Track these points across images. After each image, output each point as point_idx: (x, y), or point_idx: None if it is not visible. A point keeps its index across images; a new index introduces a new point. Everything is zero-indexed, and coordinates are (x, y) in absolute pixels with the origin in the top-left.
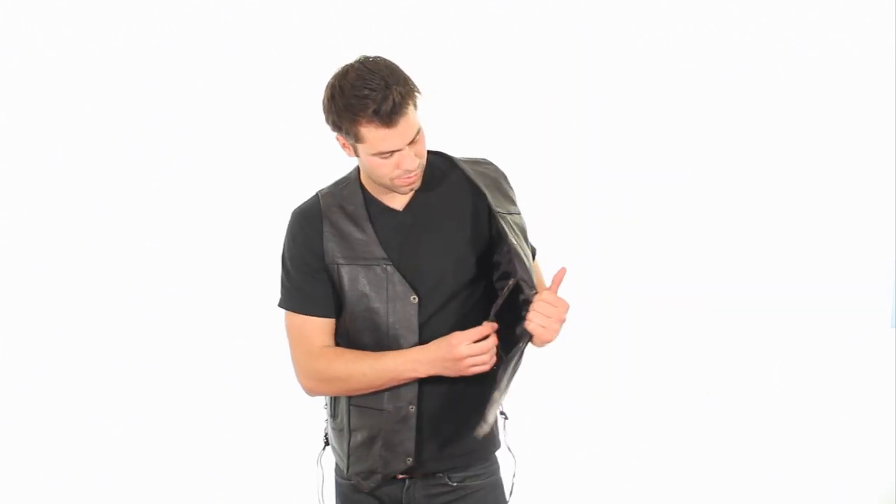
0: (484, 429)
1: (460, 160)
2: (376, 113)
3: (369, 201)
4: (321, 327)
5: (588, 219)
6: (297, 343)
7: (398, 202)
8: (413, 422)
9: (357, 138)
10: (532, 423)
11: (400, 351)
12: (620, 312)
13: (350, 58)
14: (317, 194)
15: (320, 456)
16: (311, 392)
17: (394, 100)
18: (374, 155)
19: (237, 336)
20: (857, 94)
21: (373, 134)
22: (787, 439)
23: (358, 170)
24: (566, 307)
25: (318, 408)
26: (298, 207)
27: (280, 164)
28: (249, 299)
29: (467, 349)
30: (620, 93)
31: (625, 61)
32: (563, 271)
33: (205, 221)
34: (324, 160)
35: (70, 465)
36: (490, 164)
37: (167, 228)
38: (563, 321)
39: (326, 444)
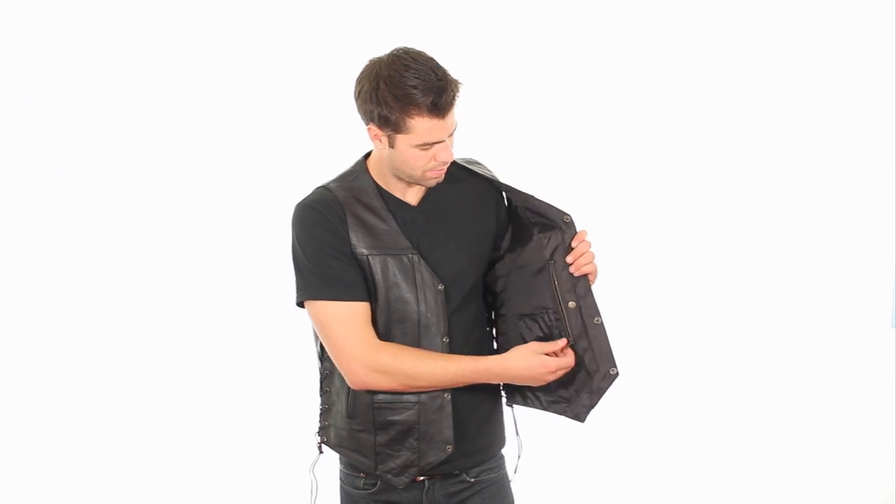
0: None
1: (458, 159)
2: (434, 104)
3: (382, 194)
4: (366, 312)
5: (587, 219)
6: (347, 334)
7: (411, 197)
8: (449, 409)
9: (401, 129)
10: (531, 423)
11: (475, 357)
12: (620, 312)
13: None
14: (325, 188)
15: (313, 465)
16: (366, 385)
17: (452, 92)
18: (417, 146)
19: (236, 339)
20: (858, 93)
21: (423, 125)
22: (786, 439)
23: (363, 164)
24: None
25: (310, 414)
26: (308, 200)
27: (279, 167)
28: (247, 302)
29: (555, 364)
30: (620, 94)
31: (624, 62)
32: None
33: (203, 222)
34: (322, 161)
35: (68, 467)
36: (481, 164)
37: (165, 229)
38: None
39: (321, 452)
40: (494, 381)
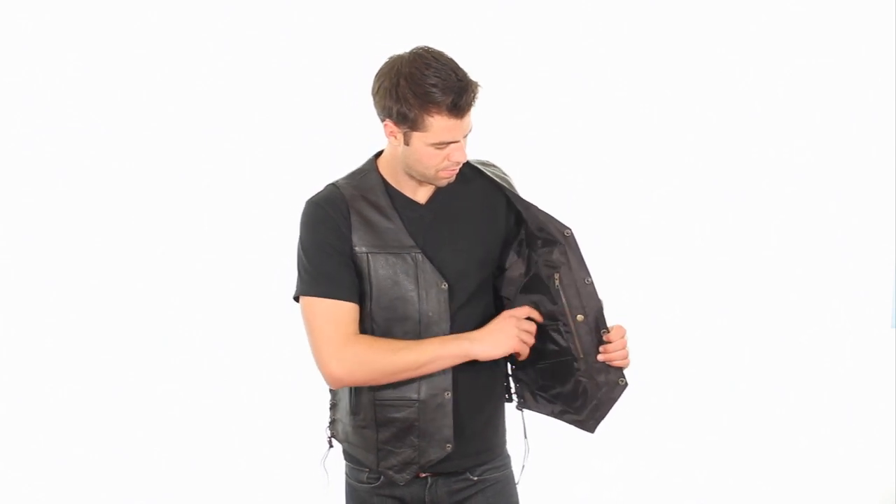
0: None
1: (472, 160)
2: (454, 104)
3: (391, 192)
4: (351, 312)
5: (587, 221)
6: (326, 329)
7: (420, 195)
8: (450, 408)
9: (418, 127)
10: (537, 425)
11: (443, 336)
12: (620, 313)
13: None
14: (334, 185)
15: (324, 458)
16: (341, 381)
17: (472, 93)
18: (432, 145)
19: (236, 339)
20: (858, 93)
21: (441, 124)
22: (787, 439)
23: (374, 162)
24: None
25: (319, 407)
26: (316, 197)
27: (279, 167)
28: (247, 302)
29: (525, 324)
30: (620, 94)
31: (624, 62)
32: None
33: (203, 222)
34: (322, 161)
35: (68, 467)
36: (496, 166)
37: (165, 229)
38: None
39: (331, 445)
40: (472, 351)
